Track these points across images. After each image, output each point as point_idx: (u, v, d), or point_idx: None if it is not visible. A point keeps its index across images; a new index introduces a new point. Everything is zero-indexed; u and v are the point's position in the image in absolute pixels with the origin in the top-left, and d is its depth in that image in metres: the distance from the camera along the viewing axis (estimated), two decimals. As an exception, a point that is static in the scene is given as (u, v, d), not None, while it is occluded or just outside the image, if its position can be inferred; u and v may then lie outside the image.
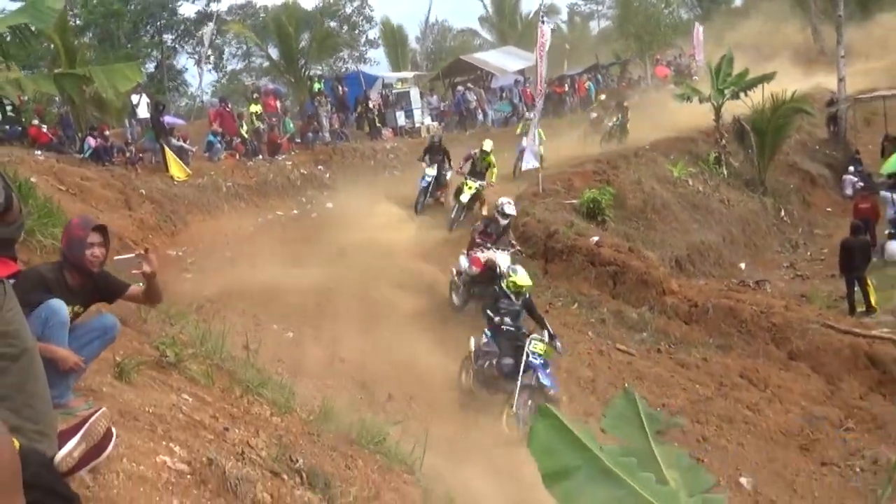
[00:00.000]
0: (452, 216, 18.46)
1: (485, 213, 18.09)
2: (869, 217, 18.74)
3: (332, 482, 6.43)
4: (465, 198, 18.23)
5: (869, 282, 15.88)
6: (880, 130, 27.51)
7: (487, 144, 19.17)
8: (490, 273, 13.31)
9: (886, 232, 18.78)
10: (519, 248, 14.82)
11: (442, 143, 20.70)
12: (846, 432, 11.04)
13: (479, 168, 18.81)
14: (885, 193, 19.82)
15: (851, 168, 25.46)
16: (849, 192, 24.19)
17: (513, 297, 11.27)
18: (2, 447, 1.11)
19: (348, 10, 51.17)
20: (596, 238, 16.23)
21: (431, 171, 19.60)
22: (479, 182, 18.53)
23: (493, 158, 19.09)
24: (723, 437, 10.77)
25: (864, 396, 11.91)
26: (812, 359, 12.71)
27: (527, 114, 25.72)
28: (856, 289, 15.77)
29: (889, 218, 19.13)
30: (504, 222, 14.57)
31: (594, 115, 29.34)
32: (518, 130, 23.82)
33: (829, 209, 24.01)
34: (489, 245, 14.12)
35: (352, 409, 9.46)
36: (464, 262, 14.08)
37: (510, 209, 14.70)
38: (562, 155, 22.63)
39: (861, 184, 23.74)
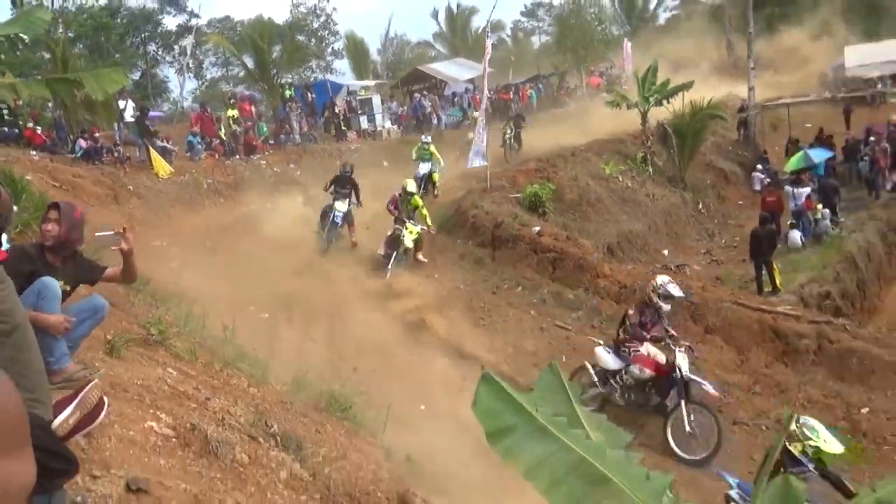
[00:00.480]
0: (391, 265, 14.70)
1: (421, 258, 15.41)
2: (774, 209, 19.05)
3: (303, 444, 6.44)
4: (408, 241, 14.86)
5: (775, 266, 16.23)
6: (785, 134, 28.05)
7: (410, 185, 15.71)
8: (668, 378, 9.90)
9: (789, 222, 19.18)
10: (688, 343, 10.45)
11: (352, 174, 16.65)
12: (754, 396, 11.31)
13: (405, 213, 15.18)
14: (788, 188, 20.22)
15: (759, 166, 25.91)
16: (757, 187, 24.59)
17: (810, 464, 7.80)
18: (10, 401, 1.12)
19: (315, 24, 50.70)
20: (537, 228, 16.28)
21: (342, 206, 15.81)
22: (419, 225, 15.20)
23: (419, 200, 15.71)
24: None
25: (769, 365, 12.18)
26: (725, 333, 12.91)
27: (422, 137, 21.79)
28: (763, 272, 16.13)
29: (791, 210, 19.51)
30: (667, 308, 10.40)
31: (471, 135, 25.49)
32: (414, 156, 20.76)
33: (740, 202, 24.35)
34: (646, 336, 10.24)
35: (321, 382, 9.47)
36: (610, 359, 10.43)
37: (676, 290, 10.35)
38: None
39: (768, 180, 24.21)
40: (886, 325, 15.68)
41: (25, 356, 3.19)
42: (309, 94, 32.51)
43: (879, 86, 33.97)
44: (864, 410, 10.88)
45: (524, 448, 2.90)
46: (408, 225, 14.88)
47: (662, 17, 58.72)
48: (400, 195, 15.33)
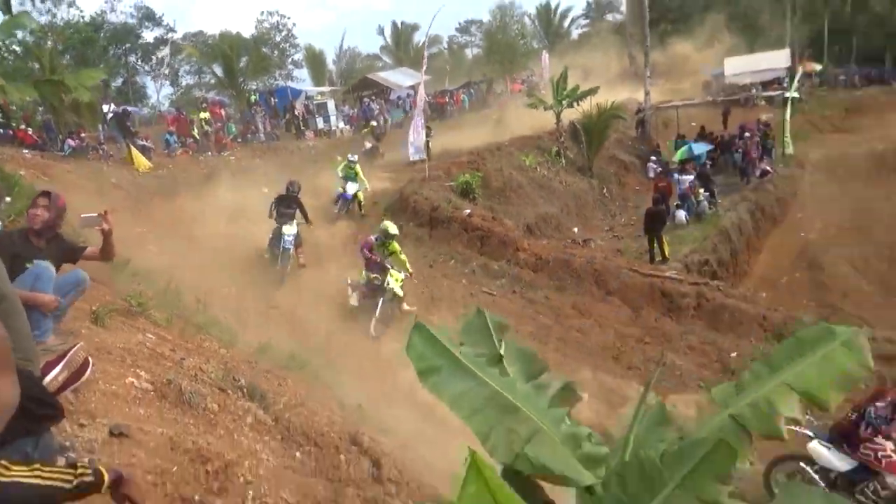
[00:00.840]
0: (376, 318, 11.00)
1: (407, 307, 11.70)
2: (665, 193, 19.35)
3: (266, 395, 6.49)
4: (398, 290, 11.26)
5: (664, 239, 16.63)
6: (674, 131, 28.51)
7: (392, 227, 11.66)
8: None
9: (676, 204, 19.56)
10: None
11: (299, 193, 13.58)
12: (645, 345, 11.57)
13: (379, 258, 11.43)
14: (676, 176, 20.70)
15: (653, 157, 26.40)
16: (651, 175, 24.93)
17: None
18: None
19: (278, 38, 49.85)
20: (468, 210, 16.39)
21: (291, 230, 12.82)
22: (403, 272, 11.51)
23: (398, 245, 11.82)
24: (559, 353, 11.05)
25: (657, 320, 12.50)
26: (623, 294, 13.19)
27: (349, 156, 17.77)
28: (655, 244, 16.49)
29: (678, 193, 19.99)
30: None
31: (368, 144, 23.38)
32: (340, 173, 17.36)
33: (637, 188, 24.68)
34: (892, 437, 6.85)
35: (283, 345, 9.50)
36: (835, 458, 6.97)
37: None
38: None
39: (660, 169, 24.66)
40: (753, 286, 16.29)
41: (12, 323, 3.18)
42: (272, 99, 32.20)
43: (753, 91, 34.97)
44: (734, 354, 11.27)
45: (449, 384, 2.99)
46: (392, 272, 11.27)
47: (575, 33, 59.33)
48: (377, 238, 11.60)
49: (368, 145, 23.52)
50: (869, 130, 32.05)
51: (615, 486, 2.59)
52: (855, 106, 37.16)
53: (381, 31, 56.73)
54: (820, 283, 17.61)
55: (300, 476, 5.38)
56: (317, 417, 6.62)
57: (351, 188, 17.07)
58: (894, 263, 19.53)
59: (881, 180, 25.09)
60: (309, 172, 21.04)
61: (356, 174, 17.28)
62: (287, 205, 13.14)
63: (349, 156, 17.92)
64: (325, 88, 39.86)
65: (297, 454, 5.74)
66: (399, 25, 55.98)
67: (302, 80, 49.74)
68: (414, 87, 37.22)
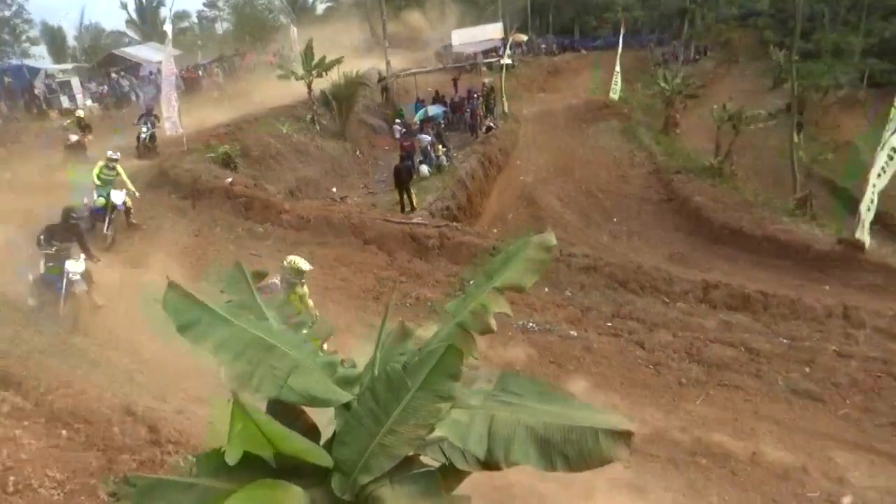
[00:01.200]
0: None
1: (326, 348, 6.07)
2: (410, 151, 20.02)
3: (24, 381, 5.83)
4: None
5: (412, 191, 17.28)
6: (414, 95, 29.34)
7: (304, 263, 7.38)
8: None
9: (419, 160, 20.25)
10: None
11: (79, 222, 9.92)
12: (402, 284, 11.86)
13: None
14: (419, 136, 21.45)
15: (398, 120, 26.71)
16: (397, 135, 25.28)
17: None
18: None
19: (7, 13, 42.54)
20: (230, 179, 15.50)
21: (78, 266, 9.07)
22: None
23: (307, 289, 7.66)
24: (327, 299, 10.95)
25: (410, 261, 12.83)
26: (379, 242, 13.34)
27: (108, 152, 12.81)
28: (404, 196, 17.04)
29: (421, 150, 20.76)
30: None
31: (75, 137, 17.36)
32: (97, 180, 12.53)
33: (386, 148, 24.86)
34: None
35: (44, 330, 8.49)
36: None
37: None
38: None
39: (404, 130, 25.28)
40: (486, 224, 17.65)
41: None
42: (5, 79, 27.52)
43: (477, 59, 37.03)
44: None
45: (209, 333, 2.93)
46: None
47: (320, 8, 58.10)
48: (282, 281, 7.41)
49: (73, 138, 17.32)
50: (566, 90, 35.87)
51: (368, 399, 2.75)
52: (554, 70, 41.22)
53: (125, 7, 50.96)
54: (537, 216, 19.54)
55: (68, 452, 4.93)
56: (84, 396, 6.07)
57: (117, 197, 12.49)
58: (590, 196, 22.35)
59: (578, 129, 28.33)
60: (58, 153, 18.47)
61: (117, 175, 12.73)
62: (64, 236, 9.36)
63: (109, 153, 12.90)
64: (68, 66, 34.93)
65: (64, 433, 5.24)
66: (143, 1, 50.69)
67: (41, 57, 43.41)
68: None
